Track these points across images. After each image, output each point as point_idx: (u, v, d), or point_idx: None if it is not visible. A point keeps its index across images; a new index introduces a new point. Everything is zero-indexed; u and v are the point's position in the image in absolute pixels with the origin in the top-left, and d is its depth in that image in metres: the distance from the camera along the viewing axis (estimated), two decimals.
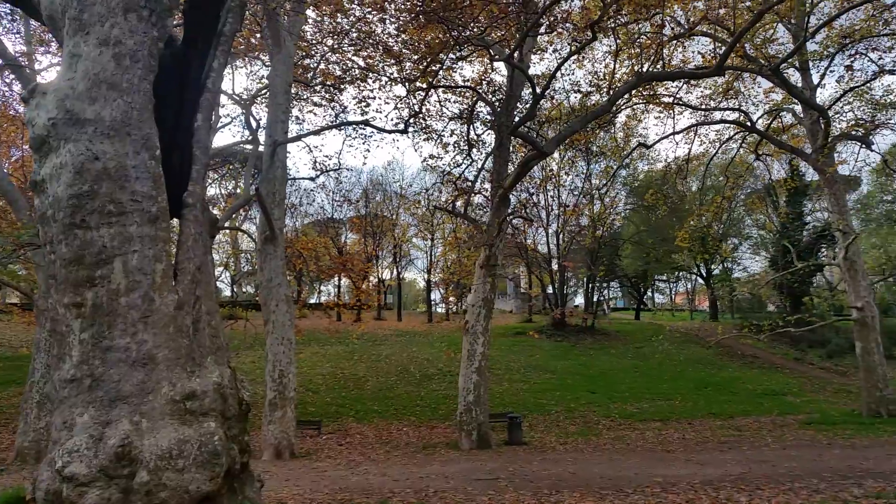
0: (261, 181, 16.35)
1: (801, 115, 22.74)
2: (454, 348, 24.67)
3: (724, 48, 16.87)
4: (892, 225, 41.81)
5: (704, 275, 48.05)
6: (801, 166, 34.19)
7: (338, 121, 21.21)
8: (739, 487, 9.45)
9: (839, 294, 40.08)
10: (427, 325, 41.24)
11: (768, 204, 41.78)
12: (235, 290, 51.55)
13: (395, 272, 48.49)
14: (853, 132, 22.31)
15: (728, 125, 24.58)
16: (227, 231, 35.38)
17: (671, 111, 23.62)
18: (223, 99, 21.74)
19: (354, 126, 20.74)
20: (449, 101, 22.51)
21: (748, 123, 22.79)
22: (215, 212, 32.37)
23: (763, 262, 48.00)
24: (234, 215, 22.39)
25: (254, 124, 19.04)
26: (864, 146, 21.98)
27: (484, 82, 20.27)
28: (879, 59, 20.18)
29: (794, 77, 22.40)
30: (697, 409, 22.35)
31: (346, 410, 21.84)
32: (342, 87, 20.55)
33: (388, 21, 16.77)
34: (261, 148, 17.26)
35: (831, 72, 20.80)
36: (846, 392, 25.79)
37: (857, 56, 20.16)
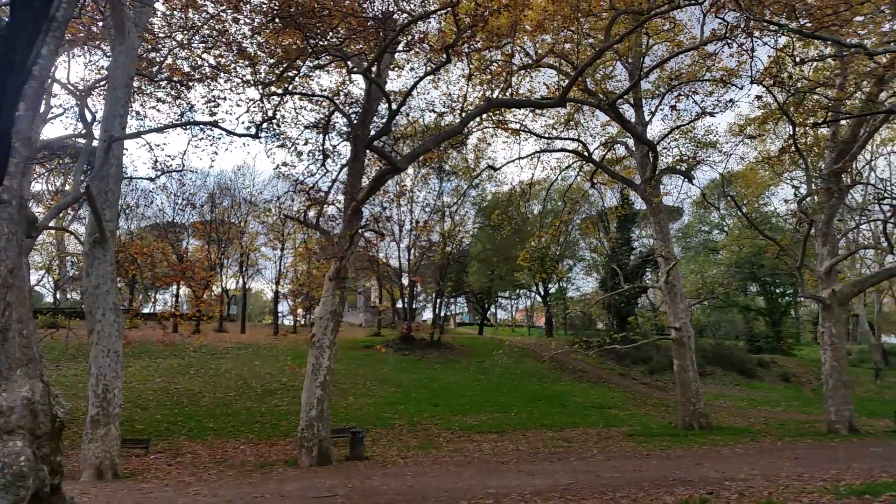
0: (92, 178, 15.07)
1: (633, 149, 24.71)
2: (299, 362, 24.05)
3: (567, 81, 18.00)
4: (708, 253, 46.47)
5: (542, 293, 50.52)
6: (631, 195, 37.06)
7: (184, 119, 20.12)
8: (566, 497, 9.97)
9: (661, 315, 43.74)
10: (273, 338, 39.94)
11: (601, 229, 44.74)
12: (59, 296, 47.14)
13: (240, 282, 46.61)
14: (677, 167, 24.59)
15: (568, 153, 25.99)
16: (53, 231, 32.32)
17: (518, 137, 24.74)
18: (56, 88, 19.98)
19: (202, 126, 19.77)
20: (305, 110, 22.16)
21: (586, 153, 24.42)
22: (39, 210, 29.53)
23: (594, 282, 51.32)
24: (60, 214, 20.47)
25: (89, 117, 17.57)
26: (686, 180, 24.25)
27: (342, 93, 20.15)
28: (702, 101, 22.47)
29: (629, 113, 24.30)
30: (531, 421, 23.38)
31: (179, 428, 20.55)
32: (190, 84, 19.54)
33: (242, 22, 16.23)
34: (95, 143, 15.96)
35: (661, 110, 22.95)
36: (664, 406, 28.08)
37: (682, 97, 22.33)
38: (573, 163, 27.03)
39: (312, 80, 20.20)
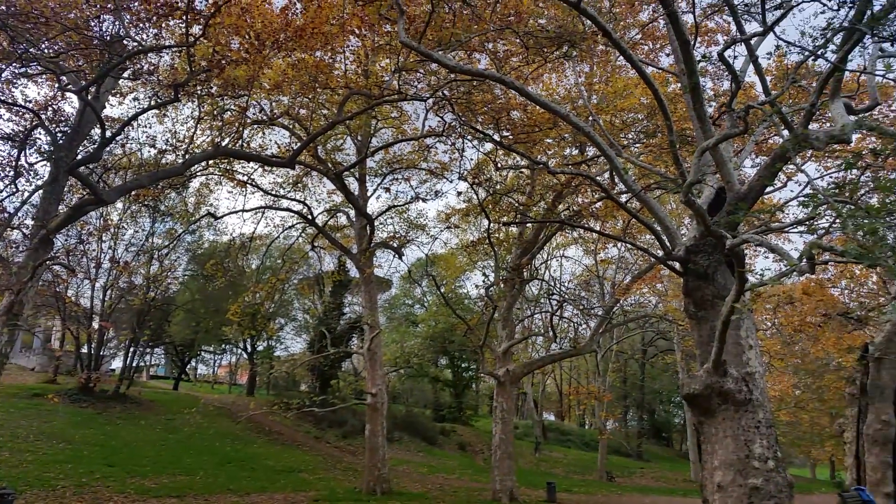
0: None
1: (354, 220, 25.99)
2: None
3: (298, 144, 18.58)
4: (409, 325, 49.55)
5: (249, 350, 49.17)
6: (347, 263, 38.41)
7: None
8: None
9: (361, 380, 45.14)
10: None
11: (316, 291, 45.37)
12: None
13: None
14: (390, 242, 26.37)
15: (292, 213, 26.35)
16: None
17: (244, 189, 24.49)
18: None
19: None
20: (1, 119, 19.51)
21: (309, 216, 25.05)
22: None
23: (303, 343, 51.41)
24: None
25: None
26: (396, 255, 26.03)
27: (50, 108, 18.21)
28: (417, 186, 24.66)
29: (353, 185, 25.60)
30: (217, 485, 22.31)
31: None
32: None
33: None
34: None
35: (383, 188, 24.61)
36: (353, 470, 28.71)
37: (400, 181, 24.30)
38: (296, 223, 27.32)
39: (17, 87, 18.01)
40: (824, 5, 8.64)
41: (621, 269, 33.11)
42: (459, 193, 23.30)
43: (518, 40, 14.22)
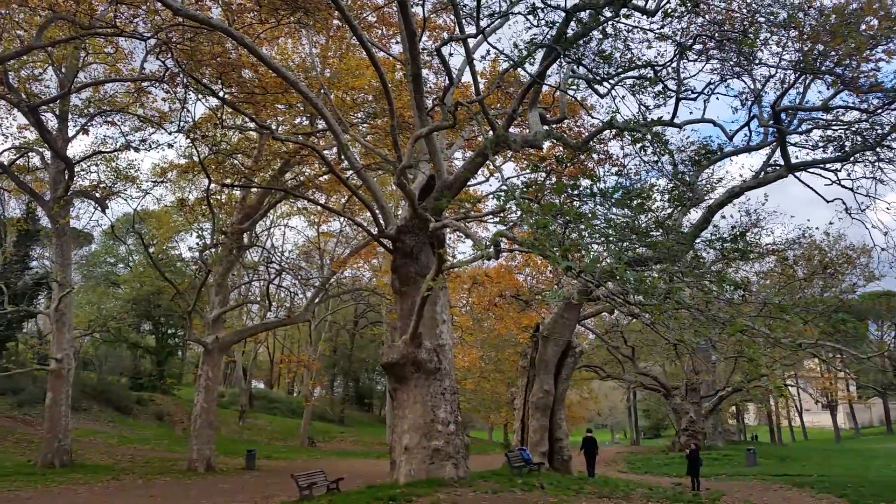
0: None
1: (49, 162, 22.84)
2: None
3: None
4: (109, 286, 45.12)
5: None
6: (38, 210, 33.68)
7: None
8: None
9: (46, 343, 40.13)
10: None
11: None
12: None
13: None
14: (92, 192, 23.65)
15: None
16: None
17: None
18: None
19: None
20: None
21: None
22: None
23: None
24: None
25: None
26: (99, 208, 23.56)
27: None
28: (128, 133, 22.34)
29: (52, 123, 22.42)
30: None
31: None
32: None
33: None
34: None
35: (83, 130, 21.65)
36: (28, 442, 25.58)
37: (110, 125, 21.96)
38: None
39: None
40: (531, 23, 9.88)
41: (342, 242, 33.91)
42: (172, 147, 21.80)
43: None
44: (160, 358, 46.53)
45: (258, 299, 38.12)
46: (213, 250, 23.91)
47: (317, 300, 28.25)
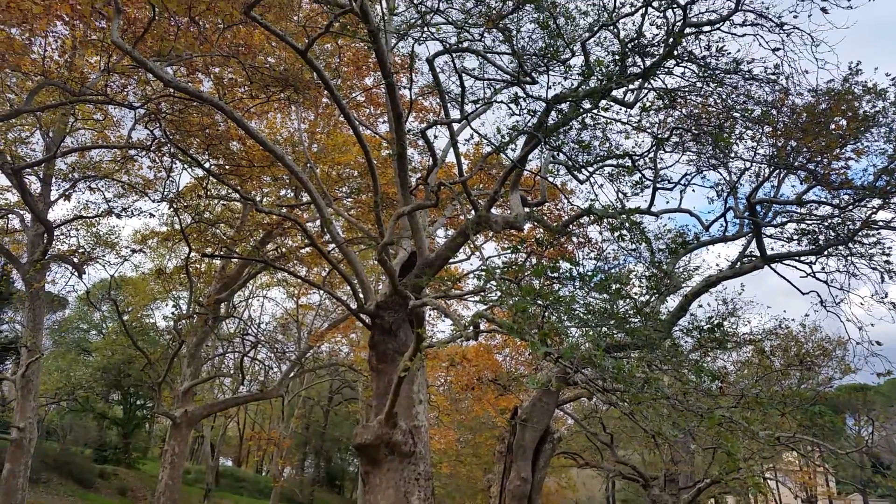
0: None
1: (29, 224, 22.64)
2: None
3: None
4: (80, 353, 44.03)
5: None
6: (13, 272, 33.19)
7: None
8: None
9: (9, 411, 38.72)
10: None
11: None
12: None
13: None
14: (70, 256, 23.37)
15: None
16: None
17: None
18: None
19: None
20: None
21: None
22: None
23: None
24: None
25: None
26: (76, 273, 23.22)
27: None
28: (112, 200, 22.31)
29: (35, 186, 22.33)
30: None
31: None
32: None
33: None
34: None
35: (65, 196, 21.67)
36: None
37: (84, 190, 21.88)
38: None
39: None
40: (512, 112, 10.16)
41: (320, 315, 33.53)
42: (154, 216, 21.80)
43: (244, 72, 14.13)
44: (127, 430, 44.93)
45: (231, 372, 37.24)
46: (189, 320, 23.49)
47: (292, 374, 27.66)
